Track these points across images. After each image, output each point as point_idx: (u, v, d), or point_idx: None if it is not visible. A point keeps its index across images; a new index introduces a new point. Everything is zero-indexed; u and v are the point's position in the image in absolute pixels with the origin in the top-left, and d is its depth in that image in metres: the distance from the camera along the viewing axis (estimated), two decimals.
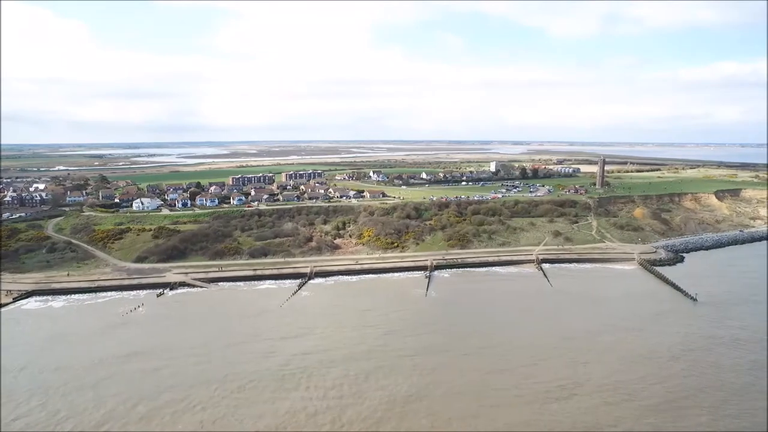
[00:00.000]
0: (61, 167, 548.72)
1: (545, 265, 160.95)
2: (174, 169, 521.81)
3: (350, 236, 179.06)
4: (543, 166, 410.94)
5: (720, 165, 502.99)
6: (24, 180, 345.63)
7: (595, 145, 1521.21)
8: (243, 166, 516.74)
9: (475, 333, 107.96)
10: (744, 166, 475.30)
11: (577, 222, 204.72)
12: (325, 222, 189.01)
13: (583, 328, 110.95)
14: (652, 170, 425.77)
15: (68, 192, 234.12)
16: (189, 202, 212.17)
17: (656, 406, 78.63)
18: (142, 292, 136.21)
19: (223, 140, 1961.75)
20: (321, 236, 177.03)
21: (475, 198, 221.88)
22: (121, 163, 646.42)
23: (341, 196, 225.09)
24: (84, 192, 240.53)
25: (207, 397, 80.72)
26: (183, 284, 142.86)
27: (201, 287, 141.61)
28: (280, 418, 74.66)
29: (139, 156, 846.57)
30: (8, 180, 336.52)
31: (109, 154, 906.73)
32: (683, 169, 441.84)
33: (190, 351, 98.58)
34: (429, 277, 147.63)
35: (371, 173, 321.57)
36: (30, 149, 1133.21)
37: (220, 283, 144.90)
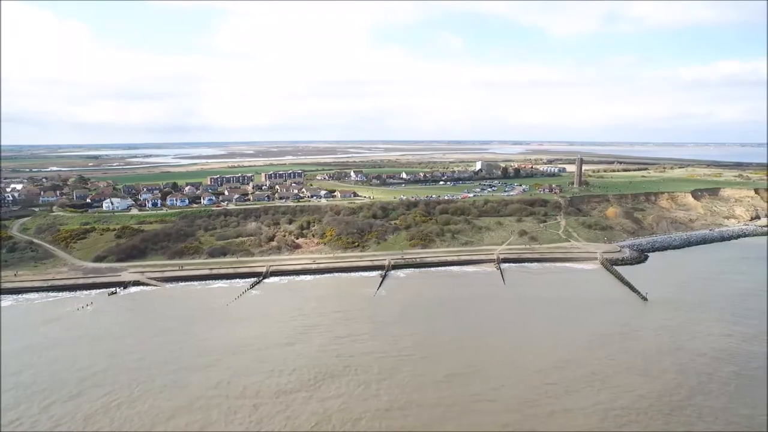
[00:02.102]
0: (54, 168, 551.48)
1: (505, 265, 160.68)
2: (166, 169, 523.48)
3: (313, 236, 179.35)
4: (530, 166, 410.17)
5: (709, 164, 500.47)
6: (10, 180, 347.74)
7: (596, 144, 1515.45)
8: (234, 167, 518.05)
9: (403, 328, 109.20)
10: (737, 166, 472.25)
11: (545, 221, 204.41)
12: (290, 222, 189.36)
13: (512, 321, 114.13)
14: (640, 169, 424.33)
15: (42, 192, 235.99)
16: (159, 202, 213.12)
17: (553, 383, 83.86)
18: (95, 291, 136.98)
19: (224, 141, 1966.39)
20: (284, 236, 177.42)
21: (446, 197, 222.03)
22: (115, 164, 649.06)
23: (312, 196, 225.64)
24: (59, 192, 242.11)
25: (110, 388, 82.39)
26: (138, 283, 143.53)
27: (155, 286, 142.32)
28: (164, 409, 76.48)
29: (136, 157, 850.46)
30: None
31: (106, 155, 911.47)
32: (671, 168, 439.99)
33: (112, 344, 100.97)
34: (383, 277, 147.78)
35: (352, 173, 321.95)
36: (29, 150, 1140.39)
37: (175, 282, 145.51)
